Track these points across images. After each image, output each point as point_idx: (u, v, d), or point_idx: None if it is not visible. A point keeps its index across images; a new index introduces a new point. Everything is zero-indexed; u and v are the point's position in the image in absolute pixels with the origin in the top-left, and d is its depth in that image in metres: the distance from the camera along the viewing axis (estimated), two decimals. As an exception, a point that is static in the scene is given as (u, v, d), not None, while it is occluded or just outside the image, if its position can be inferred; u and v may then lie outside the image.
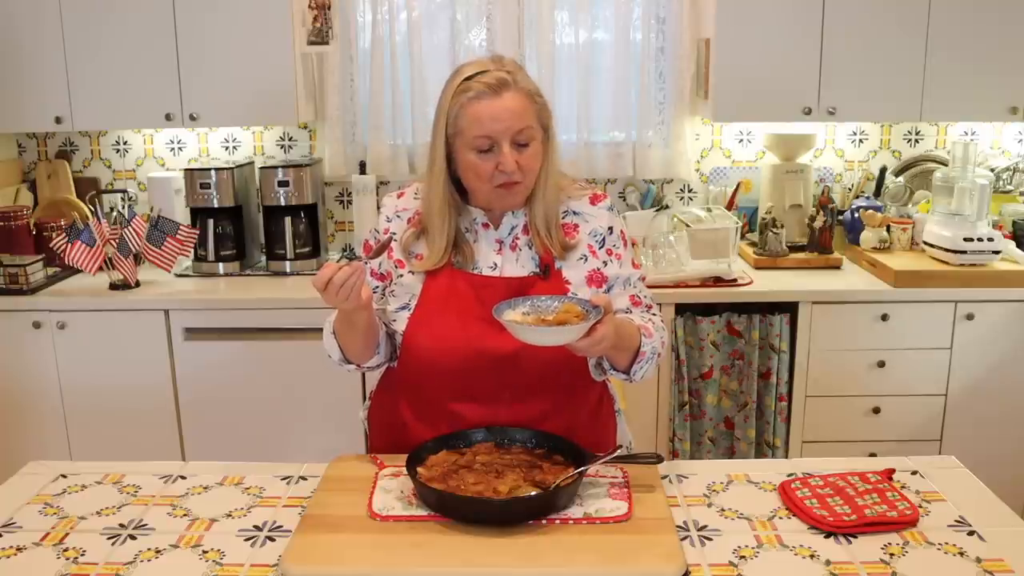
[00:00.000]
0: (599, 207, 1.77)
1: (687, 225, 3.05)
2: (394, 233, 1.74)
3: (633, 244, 3.09)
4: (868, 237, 3.21)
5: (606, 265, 1.73)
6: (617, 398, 1.89)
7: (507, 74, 1.61)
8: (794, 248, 3.24)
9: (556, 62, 3.35)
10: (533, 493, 1.44)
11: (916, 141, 3.50)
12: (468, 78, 1.61)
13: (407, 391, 1.75)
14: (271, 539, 1.43)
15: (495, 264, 1.70)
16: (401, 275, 1.72)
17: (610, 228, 1.75)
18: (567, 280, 1.70)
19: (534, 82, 1.66)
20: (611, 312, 1.51)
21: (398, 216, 1.76)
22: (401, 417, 1.75)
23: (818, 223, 3.17)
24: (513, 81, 1.61)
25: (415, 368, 1.70)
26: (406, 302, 1.70)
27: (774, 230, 3.19)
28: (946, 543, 1.39)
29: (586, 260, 1.72)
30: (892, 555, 1.35)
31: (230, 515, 1.51)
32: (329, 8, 3.21)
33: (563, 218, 1.73)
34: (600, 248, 1.74)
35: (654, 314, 1.77)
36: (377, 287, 1.75)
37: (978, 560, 1.34)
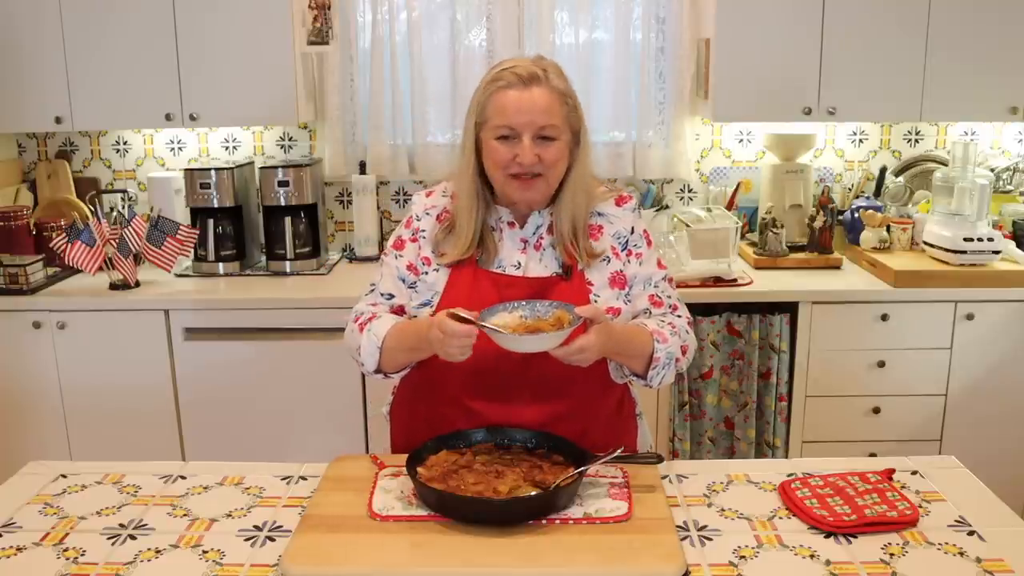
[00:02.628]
0: (624, 208, 1.77)
1: (687, 225, 3.05)
2: (423, 230, 1.75)
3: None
4: (868, 237, 3.21)
5: (628, 266, 1.74)
6: (639, 401, 1.88)
7: (541, 71, 1.64)
8: (794, 248, 3.24)
9: (556, 62, 3.34)
10: (533, 493, 1.44)
11: (916, 141, 3.50)
12: (503, 69, 1.65)
13: (428, 388, 1.75)
14: (271, 539, 1.43)
15: (519, 263, 1.71)
16: (426, 272, 1.72)
17: (632, 229, 1.76)
18: (589, 281, 1.71)
19: (570, 86, 1.69)
20: (599, 323, 1.52)
21: (427, 214, 1.77)
22: (421, 414, 1.76)
23: (818, 223, 3.17)
24: (545, 78, 1.64)
25: (436, 365, 1.69)
26: (428, 299, 1.71)
27: (774, 230, 3.19)
28: (946, 543, 1.39)
29: (609, 262, 1.73)
30: (892, 555, 1.35)
31: (230, 515, 1.51)
32: (329, 8, 3.21)
33: (588, 219, 1.74)
34: (623, 250, 1.75)
35: (679, 315, 1.76)
36: (415, 281, 1.75)
37: (978, 560, 1.34)
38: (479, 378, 1.66)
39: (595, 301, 1.68)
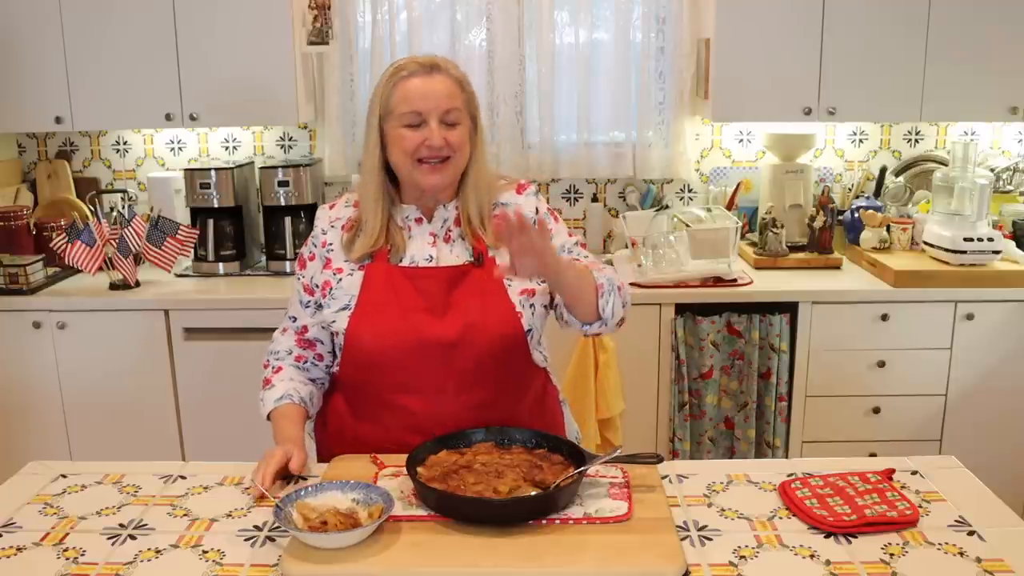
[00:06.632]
0: (526, 195, 1.81)
1: (687, 225, 3.05)
2: (331, 243, 1.77)
3: (633, 244, 3.11)
4: (868, 237, 3.21)
5: None
6: (560, 389, 1.92)
7: (440, 60, 1.69)
8: (794, 248, 3.24)
9: (556, 62, 3.35)
10: (533, 493, 1.44)
11: (916, 141, 3.50)
12: (402, 64, 1.69)
13: (349, 390, 1.77)
14: (271, 539, 1.43)
15: (431, 256, 1.73)
16: (340, 280, 1.73)
17: (537, 210, 1.79)
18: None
19: (466, 77, 1.73)
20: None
21: (332, 227, 1.78)
22: (343, 417, 1.78)
23: (818, 223, 3.17)
24: (445, 67, 1.69)
25: (359, 364, 1.71)
26: (346, 303, 1.72)
27: (774, 230, 3.19)
28: (946, 543, 1.39)
29: None
30: (892, 555, 1.35)
31: (230, 515, 1.51)
32: (329, 8, 3.21)
33: (493, 209, 1.75)
34: None
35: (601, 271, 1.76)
36: (310, 301, 1.78)
37: (978, 560, 1.34)
38: (404, 372, 1.68)
39: (509, 285, 1.70)
